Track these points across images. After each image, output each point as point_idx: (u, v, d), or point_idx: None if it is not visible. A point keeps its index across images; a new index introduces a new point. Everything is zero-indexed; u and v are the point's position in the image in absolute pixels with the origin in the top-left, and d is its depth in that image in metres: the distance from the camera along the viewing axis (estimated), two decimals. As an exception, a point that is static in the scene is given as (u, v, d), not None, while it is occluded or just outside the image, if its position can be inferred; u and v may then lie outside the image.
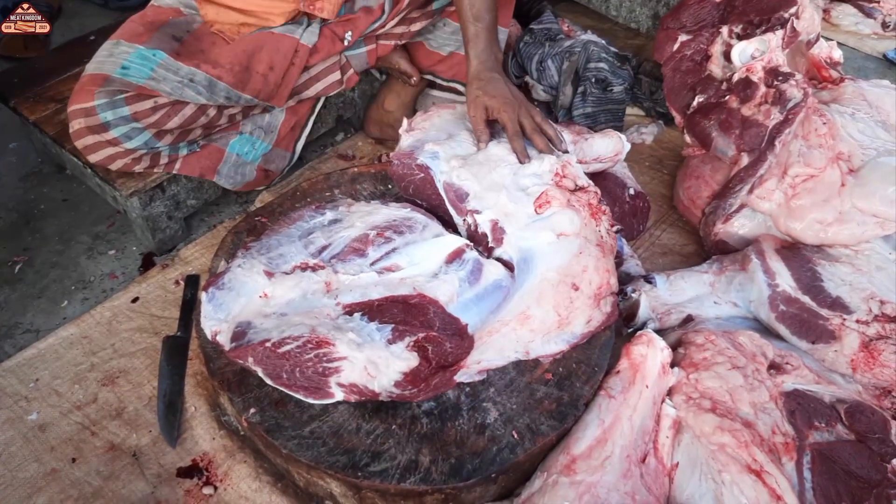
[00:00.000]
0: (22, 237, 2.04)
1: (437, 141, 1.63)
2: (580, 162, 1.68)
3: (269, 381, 1.31)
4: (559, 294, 1.42)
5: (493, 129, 1.64)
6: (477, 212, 1.52)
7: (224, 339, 1.34)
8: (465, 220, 1.56)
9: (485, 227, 1.52)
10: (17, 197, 2.17)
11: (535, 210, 1.50)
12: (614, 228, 1.58)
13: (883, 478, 1.28)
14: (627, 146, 1.83)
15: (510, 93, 1.61)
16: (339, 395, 1.28)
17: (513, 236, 1.49)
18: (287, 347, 1.27)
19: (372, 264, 1.43)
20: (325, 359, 1.26)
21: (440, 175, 1.59)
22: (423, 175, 1.60)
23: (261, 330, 1.32)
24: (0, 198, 2.16)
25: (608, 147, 1.80)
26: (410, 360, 1.28)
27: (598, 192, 1.58)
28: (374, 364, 1.27)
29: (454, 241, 1.46)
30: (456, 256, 1.44)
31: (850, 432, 1.34)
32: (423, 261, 1.42)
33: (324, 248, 1.48)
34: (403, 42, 2.00)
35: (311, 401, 1.29)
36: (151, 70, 1.67)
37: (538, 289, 1.43)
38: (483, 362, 1.38)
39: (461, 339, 1.34)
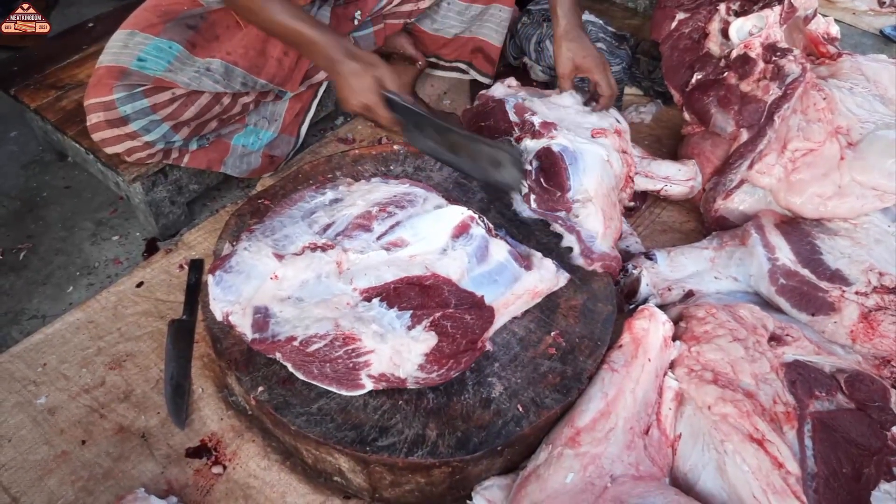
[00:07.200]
0: (25, 225, 2.05)
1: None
2: (647, 176, 1.87)
3: (299, 375, 1.34)
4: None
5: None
6: (534, 113, 1.70)
7: (238, 321, 1.36)
8: (521, 118, 1.72)
9: (536, 122, 1.67)
10: (19, 185, 2.17)
11: (591, 135, 1.66)
12: (630, 203, 1.78)
13: (883, 445, 1.29)
14: (699, 178, 1.91)
15: (598, 54, 1.74)
16: (369, 386, 1.31)
17: (566, 136, 1.62)
18: (316, 346, 1.31)
19: (378, 238, 1.45)
20: (354, 354, 1.30)
21: (511, 102, 1.77)
22: (495, 105, 1.79)
23: (282, 320, 1.35)
24: (2, 186, 2.17)
25: (678, 172, 1.90)
26: (429, 340, 1.30)
27: (635, 167, 1.75)
28: (398, 352, 1.30)
29: (457, 213, 1.48)
30: (462, 231, 1.46)
31: (850, 401, 1.35)
32: (428, 234, 1.44)
33: (328, 226, 1.50)
34: (412, 20, 2.00)
35: (343, 392, 1.32)
36: (168, 63, 1.67)
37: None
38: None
39: (480, 309, 1.36)
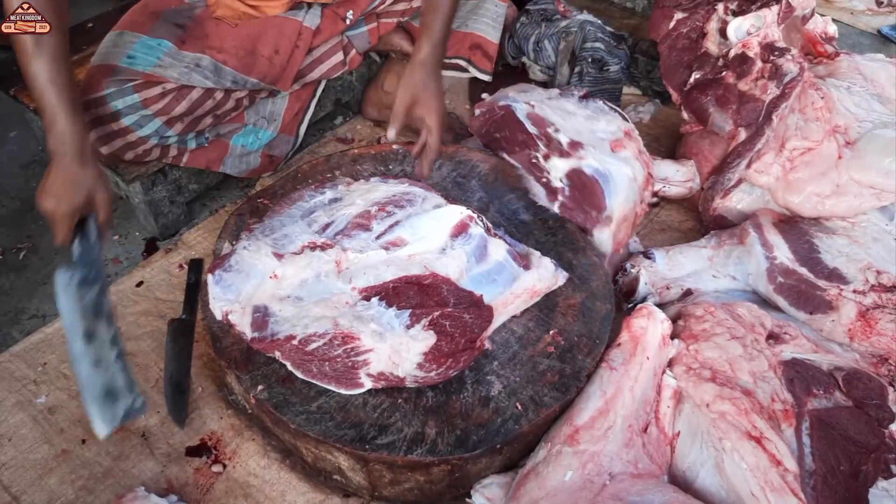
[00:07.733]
0: (25, 224, 2.05)
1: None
2: None
3: (298, 374, 1.34)
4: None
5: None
6: (557, 130, 1.71)
7: (238, 320, 1.36)
8: (543, 132, 1.72)
9: (563, 141, 1.69)
10: (18, 185, 2.18)
11: (611, 149, 1.67)
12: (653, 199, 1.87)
13: (880, 442, 1.30)
14: (698, 179, 1.93)
15: (442, 103, 1.61)
16: (368, 384, 1.32)
17: (594, 155, 1.64)
18: (315, 345, 1.32)
19: (377, 238, 1.45)
20: (353, 353, 1.31)
21: (521, 110, 1.77)
22: (504, 112, 1.78)
23: (281, 319, 1.36)
24: (2, 186, 2.17)
25: (676, 172, 1.92)
26: (428, 339, 1.31)
27: (651, 164, 1.79)
28: (397, 351, 1.31)
29: (456, 212, 1.48)
30: (461, 230, 1.46)
31: (847, 399, 1.36)
32: (427, 234, 1.44)
33: (327, 225, 1.50)
34: (406, 19, 2.01)
35: (342, 391, 1.32)
36: (157, 59, 1.68)
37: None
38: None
39: (479, 308, 1.37)
